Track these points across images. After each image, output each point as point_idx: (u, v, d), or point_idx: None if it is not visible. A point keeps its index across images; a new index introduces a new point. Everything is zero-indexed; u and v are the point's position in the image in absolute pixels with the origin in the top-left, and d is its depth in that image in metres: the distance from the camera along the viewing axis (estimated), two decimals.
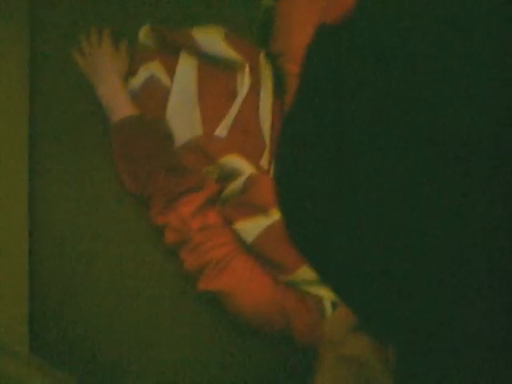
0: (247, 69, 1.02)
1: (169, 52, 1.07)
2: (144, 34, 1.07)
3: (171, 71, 1.06)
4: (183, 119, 1.03)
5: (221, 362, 0.93)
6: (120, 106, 1.03)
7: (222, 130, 1.02)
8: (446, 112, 0.23)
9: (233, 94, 1.04)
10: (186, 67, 1.06)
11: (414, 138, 0.24)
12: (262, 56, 1.06)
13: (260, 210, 0.85)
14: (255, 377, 0.91)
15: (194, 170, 0.99)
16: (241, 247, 0.90)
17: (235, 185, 0.92)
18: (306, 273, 0.81)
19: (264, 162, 1.03)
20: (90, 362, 0.94)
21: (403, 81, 0.24)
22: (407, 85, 0.24)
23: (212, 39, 1.04)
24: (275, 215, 0.84)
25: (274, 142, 1.04)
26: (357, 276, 0.28)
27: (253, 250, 0.86)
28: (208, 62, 1.06)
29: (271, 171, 0.98)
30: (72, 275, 0.98)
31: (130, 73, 1.08)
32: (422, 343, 0.28)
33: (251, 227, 0.85)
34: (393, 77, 0.24)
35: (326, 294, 0.82)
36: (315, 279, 0.81)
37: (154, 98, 1.05)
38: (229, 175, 0.96)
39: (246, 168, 0.94)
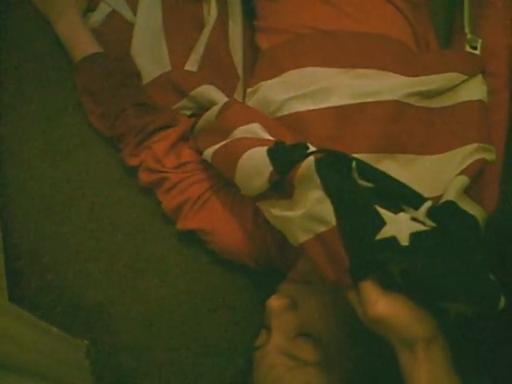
0: None
1: None
2: None
3: (134, 4, 1.00)
4: (150, 55, 0.98)
5: (205, 299, 0.91)
6: (81, 43, 0.97)
7: (191, 65, 0.97)
8: None
9: (200, 26, 0.99)
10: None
11: None
12: None
13: (228, 133, 0.80)
14: (244, 311, 0.90)
15: (165, 106, 0.94)
16: (219, 183, 0.88)
17: (210, 112, 0.87)
18: None
19: (237, 95, 0.99)
20: (72, 308, 0.92)
21: None
22: None
23: None
24: (236, 136, 0.78)
25: (247, 74, 0.99)
26: None
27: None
28: None
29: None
30: (46, 221, 0.94)
31: (90, 8, 1.02)
32: None
33: (211, 150, 0.81)
34: None
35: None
36: None
37: (116, 33, 1.00)
38: (203, 107, 0.92)
39: (222, 98, 0.89)
